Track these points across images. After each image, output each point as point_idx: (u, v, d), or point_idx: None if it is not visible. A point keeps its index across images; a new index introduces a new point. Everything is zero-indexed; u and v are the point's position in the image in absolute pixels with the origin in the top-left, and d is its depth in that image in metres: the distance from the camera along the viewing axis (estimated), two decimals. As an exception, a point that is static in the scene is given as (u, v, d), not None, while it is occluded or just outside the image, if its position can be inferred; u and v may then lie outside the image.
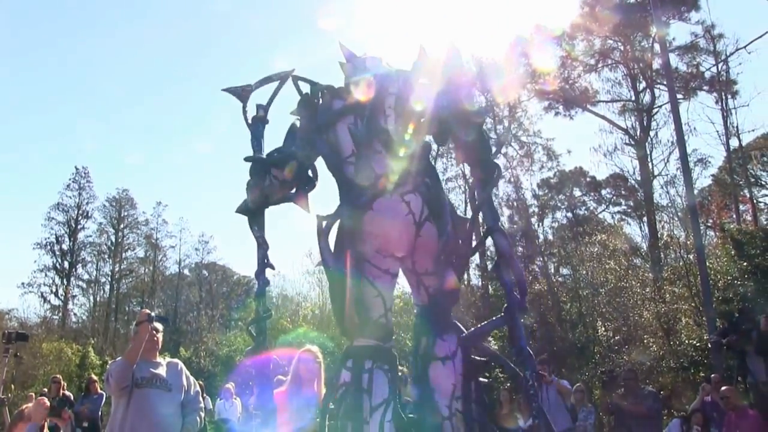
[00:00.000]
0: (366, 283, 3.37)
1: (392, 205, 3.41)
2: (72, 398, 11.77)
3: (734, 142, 25.45)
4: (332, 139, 3.56)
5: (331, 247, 3.41)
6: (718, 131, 25.05)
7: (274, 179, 3.66)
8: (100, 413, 11.42)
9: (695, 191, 20.52)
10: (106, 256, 42.23)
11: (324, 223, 3.39)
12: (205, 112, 59.44)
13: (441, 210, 3.46)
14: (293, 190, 3.74)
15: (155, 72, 58.34)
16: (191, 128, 58.65)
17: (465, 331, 3.48)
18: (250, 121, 3.82)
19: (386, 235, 3.42)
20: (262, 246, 3.65)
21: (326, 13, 47.85)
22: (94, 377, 12.94)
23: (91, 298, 42.09)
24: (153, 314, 4.94)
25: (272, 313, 3.53)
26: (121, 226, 42.65)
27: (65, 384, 12.74)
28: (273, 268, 3.64)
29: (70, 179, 41.65)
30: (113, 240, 42.31)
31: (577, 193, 29.13)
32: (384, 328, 3.46)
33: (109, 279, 42.26)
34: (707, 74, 25.16)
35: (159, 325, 4.95)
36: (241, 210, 3.75)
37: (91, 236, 42.04)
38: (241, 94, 3.84)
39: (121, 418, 4.62)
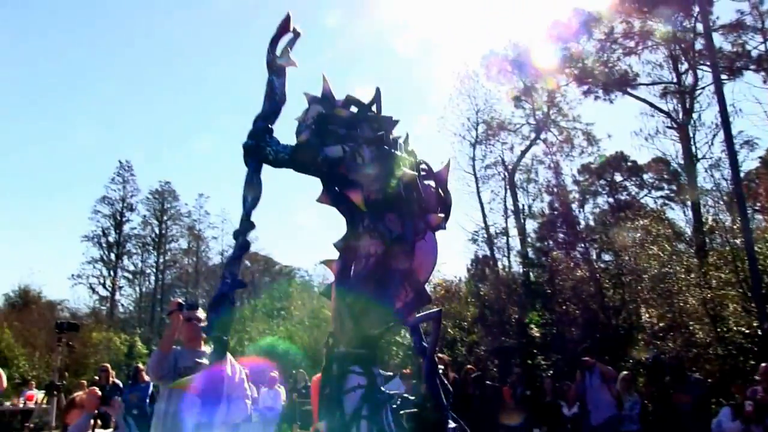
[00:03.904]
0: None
1: (433, 241, 3.41)
2: (121, 386, 12.09)
3: (784, 123, 24.71)
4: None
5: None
6: (766, 112, 24.32)
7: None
8: (147, 401, 11.68)
9: (742, 174, 20.02)
10: (150, 248, 43.08)
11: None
12: (243, 100, 59.88)
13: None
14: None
15: (185, 67, 59.08)
16: (230, 118, 59.20)
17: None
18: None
19: (422, 270, 3.35)
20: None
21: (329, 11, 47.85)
22: (141, 366, 13.22)
23: (137, 288, 43.08)
24: (183, 302, 4.99)
25: (245, 282, 3.22)
26: (165, 217, 43.41)
27: (114, 372, 13.07)
28: (254, 227, 3.15)
29: (114, 173, 42.56)
30: (157, 232, 43.11)
31: (618, 178, 28.65)
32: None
33: (154, 270, 43.11)
34: (754, 53, 24.42)
35: (202, 314, 5.02)
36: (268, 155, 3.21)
37: (135, 228, 42.97)
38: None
39: (164, 406, 4.70)
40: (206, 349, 5.03)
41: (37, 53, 54.68)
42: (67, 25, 55.54)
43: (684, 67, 24.97)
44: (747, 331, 13.29)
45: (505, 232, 25.36)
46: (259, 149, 3.17)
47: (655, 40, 24.97)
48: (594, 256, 21.62)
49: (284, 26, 3.27)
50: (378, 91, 3.38)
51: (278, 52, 3.28)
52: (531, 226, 25.35)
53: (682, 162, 24.87)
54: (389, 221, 3.23)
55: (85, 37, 56.54)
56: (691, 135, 24.29)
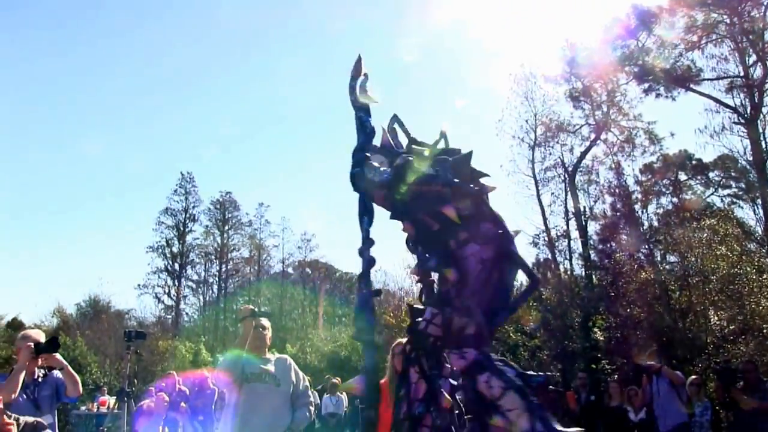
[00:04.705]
0: None
1: None
2: (187, 392, 12.37)
3: None
4: None
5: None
6: (844, 102, 23.19)
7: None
8: (213, 407, 11.94)
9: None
10: (213, 257, 43.96)
11: None
12: (297, 112, 60.83)
13: None
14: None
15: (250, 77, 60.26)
16: (287, 128, 60.19)
17: None
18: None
19: None
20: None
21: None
22: (206, 373, 13.52)
23: (201, 297, 44.03)
24: (255, 309, 5.12)
25: (380, 290, 3.69)
26: (226, 227, 44.22)
27: (180, 380, 13.40)
28: (374, 243, 3.76)
29: (176, 184, 43.69)
30: (219, 241, 43.95)
31: (682, 177, 27.86)
32: None
33: (217, 279, 44.01)
34: (829, 40, 23.33)
35: (266, 322, 5.11)
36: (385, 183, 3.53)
37: (198, 238, 43.93)
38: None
39: (232, 411, 4.83)
40: (269, 356, 5.12)
41: (97, 69, 56.78)
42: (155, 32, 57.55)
43: (752, 59, 24.09)
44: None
45: (567, 235, 24.94)
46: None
47: (720, 32, 24.18)
48: (659, 258, 21.04)
49: (357, 69, 3.74)
50: (443, 132, 3.68)
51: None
52: (593, 228, 24.87)
53: (750, 159, 24.00)
54: (488, 229, 3.45)
55: (143, 44, 58.44)
56: (761, 130, 23.41)
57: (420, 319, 3.57)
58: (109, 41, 56.90)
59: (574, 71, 25.98)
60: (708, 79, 24.83)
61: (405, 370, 3.53)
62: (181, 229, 43.06)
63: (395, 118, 3.81)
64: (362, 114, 3.71)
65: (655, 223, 24.63)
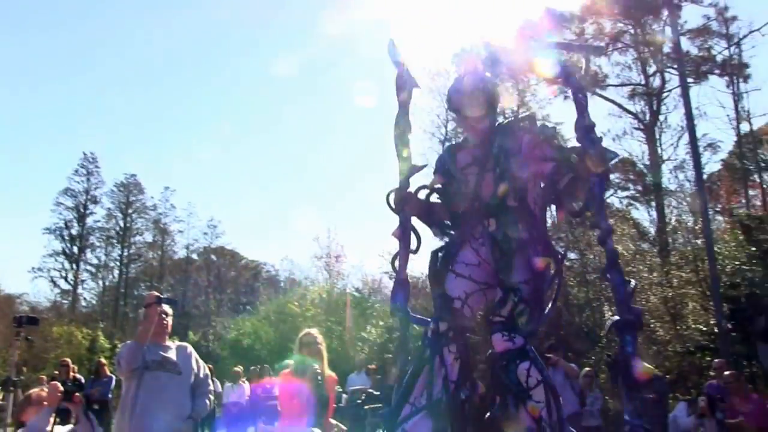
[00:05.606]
0: None
1: None
2: (82, 381, 11.91)
3: (745, 127, 25.25)
4: None
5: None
6: (728, 115, 24.79)
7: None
8: (110, 396, 11.55)
9: (704, 176, 20.40)
10: (114, 241, 42.45)
11: None
12: (210, 96, 59.46)
13: None
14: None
15: (161, 60, 58.36)
16: (195, 110, 58.75)
17: None
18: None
19: None
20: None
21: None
22: (104, 361, 13.07)
23: (101, 282, 42.43)
24: (161, 296, 4.99)
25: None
26: (130, 211, 42.79)
27: (75, 367, 12.89)
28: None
29: (78, 165, 41.85)
30: (122, 225, 42.49)
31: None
32: None
33: (118, 264, 42.51)
34: (719, 57, 24.91)
35: (168, 309, 4.99)
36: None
37: (99, 221, 42.29)
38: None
39: (131, 400, 4.68)
40: (170, 344, 5.01)
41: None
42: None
43: (652, 69, 25.38)
44: (704, 329, 13.59)
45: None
46: None
47: (624, 41, 25.31)
48: (559, 255, 21.81)
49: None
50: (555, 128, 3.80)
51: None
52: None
53: (647, 163, 25.30)
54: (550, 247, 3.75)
55: (55, 31, 55.54)
56: (657, 137, 24.73)
57: (455, 297, 3.52)
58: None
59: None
60: (613, 85, 26.01)
61: (436, 351, 3.46)
62: (82, 210, 41.31)
63: (392, 43, 3.72)
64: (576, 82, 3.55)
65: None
